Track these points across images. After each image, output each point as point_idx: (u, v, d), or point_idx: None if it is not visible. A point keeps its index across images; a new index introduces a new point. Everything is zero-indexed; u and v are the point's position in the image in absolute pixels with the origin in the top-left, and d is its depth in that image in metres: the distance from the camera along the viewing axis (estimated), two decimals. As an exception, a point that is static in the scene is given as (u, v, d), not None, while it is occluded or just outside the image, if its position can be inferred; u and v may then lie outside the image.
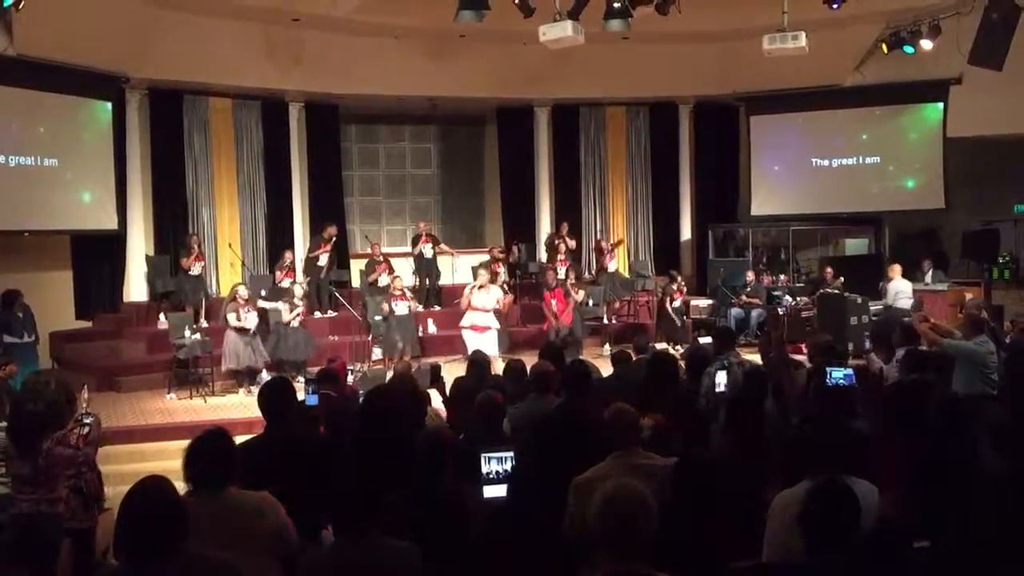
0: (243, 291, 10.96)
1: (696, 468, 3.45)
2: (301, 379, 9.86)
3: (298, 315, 11.33)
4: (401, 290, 12.07)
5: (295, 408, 4.93)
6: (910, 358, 6.27)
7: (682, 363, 7.92)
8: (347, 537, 3.14)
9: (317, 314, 13.16)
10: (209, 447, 3.44)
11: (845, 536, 2.80)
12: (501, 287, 13.09)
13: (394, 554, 3.11)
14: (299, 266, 13.59)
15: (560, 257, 13.81)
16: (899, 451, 3.88)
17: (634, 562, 2.58)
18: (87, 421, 5.25)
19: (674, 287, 13.46)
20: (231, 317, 10.66)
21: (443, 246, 14.48)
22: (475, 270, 12.49)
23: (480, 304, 11.47)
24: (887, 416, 4.74)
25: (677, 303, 13.34)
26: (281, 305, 11.39)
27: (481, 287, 11.58)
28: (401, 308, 11.79)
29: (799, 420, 5.00)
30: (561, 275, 12.93)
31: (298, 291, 11.62)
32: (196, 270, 12.56)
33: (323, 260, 13.46)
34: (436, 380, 6.65)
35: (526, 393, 5.81)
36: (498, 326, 11.63)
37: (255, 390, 8.90)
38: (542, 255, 15.20)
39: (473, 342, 10.99)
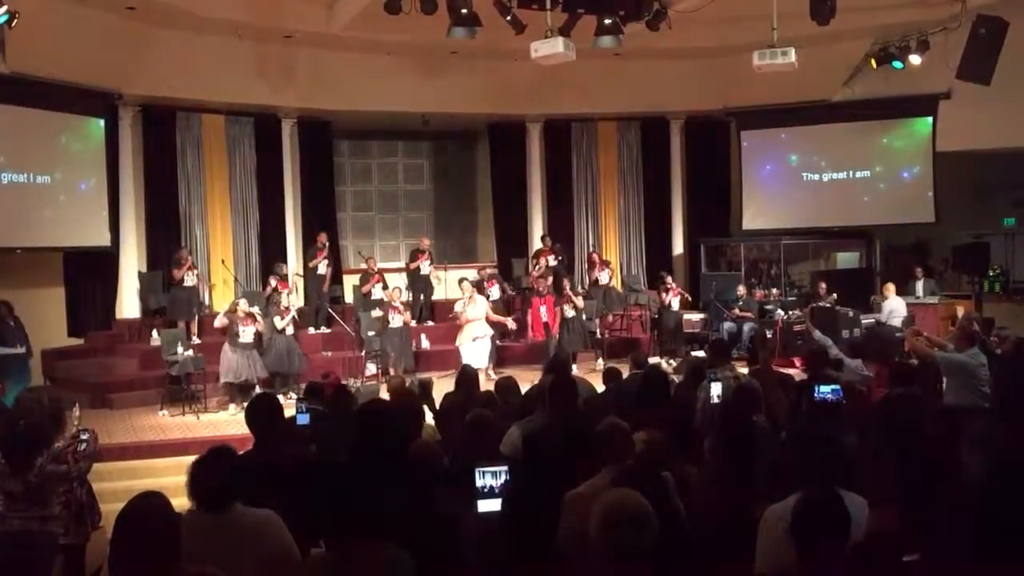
0: (244, 305, 10.94)
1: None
2: (293, 396, 9.88)
3: (291, 320, 11.33)
4: (398, 303, 12.08)
5: (283, 425, 4.92)
6: (896, 371, 6.30)
7: (676, 377, 7.95)
8: (341, 547, 3.14)
9: (311, 330, 13.16)
10: (214, 465, 3.43)
11: (836, 545, 2.82)
12: (503, 300, 13.18)
13: (388, 562, 3.10)
14: (290, 277, 13.57)
15: (536, 271, 13.79)
16: (889, 464, 3.90)
17: (633, 571, 2.59)
18: (84, 437, 5.24)
19: (666, 287, 13.47)
20: (220, 319, 10.72)
21: (434, 265, 14.52)
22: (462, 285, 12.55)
23: (473, 315, 11.50)
24: (877, 429, 4.75)
25: (675, 304, 13.35)
26: (278, 320, 11.35)
27: (469, 299, 11.62)
28: (396, 321, 11.81)
29: (788, 435, 5.01)
30: (543, 290, 12.89)
31: (284, 300, 11.62)
32: (190, 280, 12.57)
33: (322, 268, 13.52)
34: (426, 396, 6.65)
35: (523, 407, 5.80)
36: (491, 333, 11.65)
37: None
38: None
39: (468, 354, 11.01)
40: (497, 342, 12.64)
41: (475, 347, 11.27)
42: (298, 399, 6.38)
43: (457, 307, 11.84)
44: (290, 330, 11.33)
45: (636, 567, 2.61)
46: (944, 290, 14.00)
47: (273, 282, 12.44)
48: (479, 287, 13.03)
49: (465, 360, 10.92)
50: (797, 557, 2.87)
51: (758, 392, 5.68)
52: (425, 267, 14.17)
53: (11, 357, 10.20)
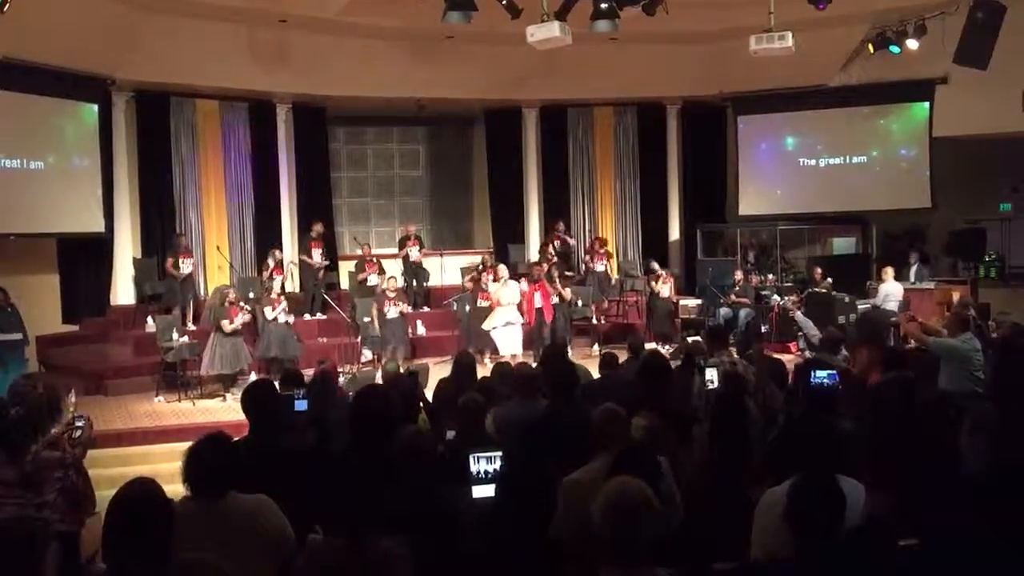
0: (232, 294, 10.94)
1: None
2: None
3: (282, 309, 11.31)
4: (394, 292, 12.04)
5: (280, 411, 4.90)
6: (890, 356, 6.31)
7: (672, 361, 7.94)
8: (339, 536, 3.13)
9: (307, 316, 13.15)
10: (209, 452, 3.41)
11: (831, 528, 2.82)
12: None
13: (385, 552, 3.10)
14: (285, 265, 13.53)
15: (549, 257, 13.78)
16: (885, 449, 3.90)
17: (637, 561, 2.58)
18: (79, 424, 5.23)
19: (654, 276, 13.51)
20: (224, 323, 10.60)
21: (423, 250, 14.49)
22: (466, 270, 12.41)
23: (506, 300, 11.38)
24: (873, 414, 4.76)
25: (664, 291, 13.35)
26: (268, 311, 11.34)
27: (502, 283, 11.50)
28: (392, 312, 11.78)
29: (785, 419, 5.01)
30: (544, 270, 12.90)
31: (276, 286, 11.59)
32: (186, 268, 12.54)
33: (316, 257, 13.50)
34: (415, 386, 6.60)
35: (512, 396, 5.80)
36: (522, 320, 11.51)
37: (237, 393, 8.91)
38: (531, 255, 15.20)
39: (502, 340, 10.98)
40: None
41: (506, 332, 11.16)
42: (297, 385, 6.32)
43: (491, 288, 11.61)
44: (283, 318, 11.31)
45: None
46: (937, 276, 14.01)
47: (271, 263, 12.45)
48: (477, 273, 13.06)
49: (500, 346, 10.94)
50: (792, 541, 2.87)
51: (748, 377, 5.68)
52: (414, 253, 14.14)
53: (7, 343, 10.18)
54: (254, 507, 3.38)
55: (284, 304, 11.47)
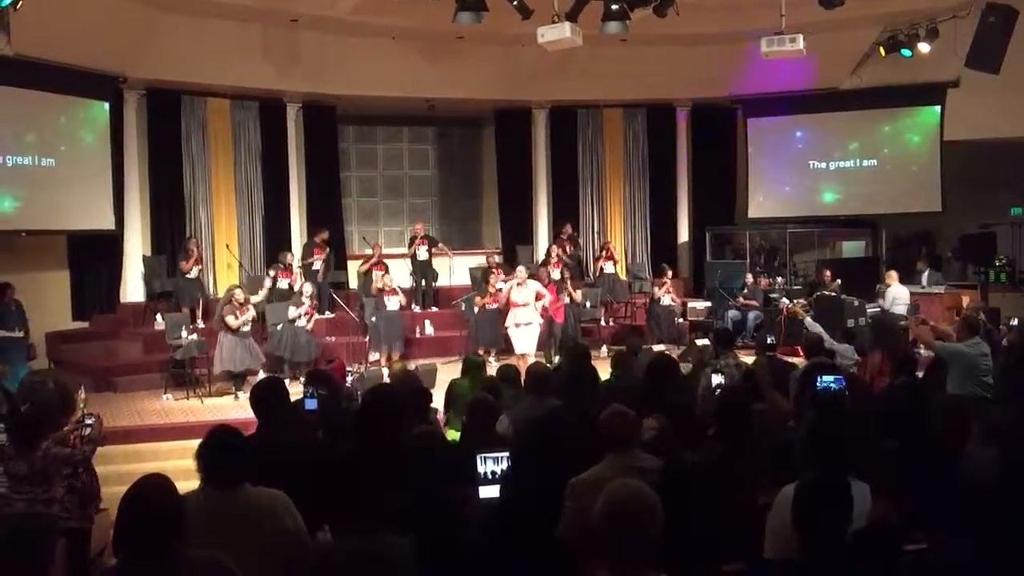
0: (239, 294, 10.94)
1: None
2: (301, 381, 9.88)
3: (304, 314, 11.32)
4: (393, 287, 12.06)
5: (288, 409, 4.91)
6: (899, 360, 6.31)
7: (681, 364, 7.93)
8: (346, 533, 3.14)
9: (315, 315, 13.16)
10: (223, 444, 3.43)
11: (837, 526, 2.81)
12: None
13: (392, 549, 3.11)
14: (294, 266, 13.52)
15: (553, 260, 13.75)
16: (893, 453, 3.89)
17: (638, 563, 2.58)
18: (89, 422, 5.26)
19: (662, 281, 13.48)
20: (229, 319, 10.61)
21: (441, 246, 14.46)
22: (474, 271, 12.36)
23: (519, 300, 11.40)
24: (880, 418, 4.75)
25: (666, 300, 13.31)
26: (292, 310, 11.34)
27: (519, 284, 11.53)
28: (392, 304, 11.83)
29: (795, 423, 5.01)
30: (556, 276, 12.90)
31: (307, 290, 11.60)
32: (193, 273, 12.59)
33: (318, 265, 13.44)
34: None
35: (522, 396, 5.81)
36: (540, 321, 11.52)
37: (247, 391, 8.92)
38: (539, 256, 15.19)
39: (517, 339, 11.02)
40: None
41: (521, 333, 11.20)
42: (305, 383, 6.35)
43: (504, 287, 11.69)
44: (301, 322, 11.31)
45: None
46: (947, 280, 13.96)
47: (272, 272, 12.42)
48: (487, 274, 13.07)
49: (515, 344, 10.98)
50: (797, 538, 2.87)
51: (760, 379, 5.67)
52: (422, 252, 14.11)
53: (10, 340, 10.19)
54: (269, 501, 3.38)
55: (306, 306, 11.44)
